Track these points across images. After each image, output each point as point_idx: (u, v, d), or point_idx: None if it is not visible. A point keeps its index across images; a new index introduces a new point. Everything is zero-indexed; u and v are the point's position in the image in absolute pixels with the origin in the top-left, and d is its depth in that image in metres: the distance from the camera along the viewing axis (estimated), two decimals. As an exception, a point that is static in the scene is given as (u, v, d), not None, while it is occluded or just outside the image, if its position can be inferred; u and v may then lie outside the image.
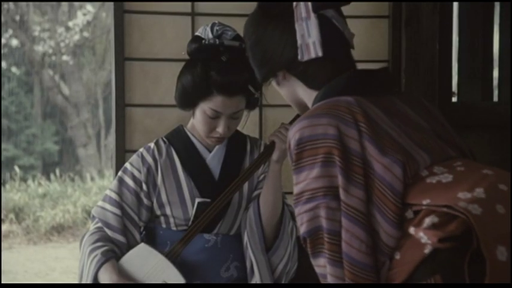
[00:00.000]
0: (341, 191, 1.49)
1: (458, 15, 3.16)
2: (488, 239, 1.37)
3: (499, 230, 1.39)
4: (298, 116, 2.24)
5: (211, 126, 2.18)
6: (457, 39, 3.16)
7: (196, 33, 2.22)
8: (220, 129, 2.17)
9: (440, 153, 1.58)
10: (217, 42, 2.15)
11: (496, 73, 3.22)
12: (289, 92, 1.78)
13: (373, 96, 1.63)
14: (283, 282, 2.29)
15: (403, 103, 1.67)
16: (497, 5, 3.18)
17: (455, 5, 3.13)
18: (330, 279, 1.52)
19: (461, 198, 1.41)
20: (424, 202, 1.45)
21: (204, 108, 2.15)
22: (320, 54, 1.65)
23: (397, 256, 1.48)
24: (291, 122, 2.22)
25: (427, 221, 1.42)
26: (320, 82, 1.68)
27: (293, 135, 1.57)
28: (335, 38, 1.69)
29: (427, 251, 1.42)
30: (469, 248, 1.38)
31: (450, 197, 1.43)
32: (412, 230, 1.45)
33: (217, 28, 2.17)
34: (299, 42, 1.66)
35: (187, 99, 2.19)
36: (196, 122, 2.22)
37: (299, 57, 1.67)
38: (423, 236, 1.42)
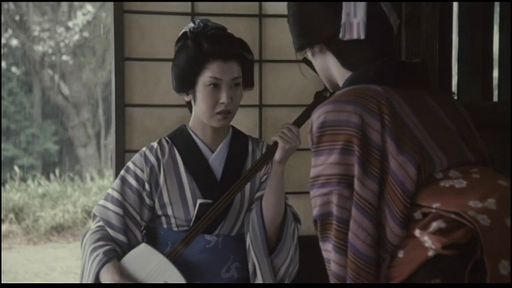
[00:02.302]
0: (356, 182, 1.49)
1: (458, 15, 3.16)
2: (493, 251, 1.36)
3: (504, 244, 1.38)
4: (306, 112, 2.25)
5: (214, 100, 2.18)
6: (457, 39, 3.16)
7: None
8: (223, 98, 2.17)
9: (458, 156, 1.56)
10: (202, 25, 2.22)
11: (496, 73, 3.22)
12: (322, 66, 1.74)
13: (404, 88, 1.60)
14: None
15: (433, 100, 1.65)
16: (497, 5, 3.19)
17: (455, 5, 3.13)
18: (333, 266, 1.52)
19: (472, 207, 1.41)
20: (434, 205, 1.44)
21: (203, 81, 2.18)
22: (362, 36, 1.62)
23: (400, 254, 1.48)
24: (295, 122, 2.23)
25: (434, 225, 1.42)
26: (355, 64, 1.65)
27: (317, 117, 1.56)
28: (380, 23, 1.66)
29: (430, 253, 1.41)
30: (472, 257, 1.38)
31: (461, 203, 1.42)
32: (417, 232, 1.44)
33: (199, 20, 2.24)
34: (343, 20, 1.63)
35: (186, 78, 2.20)
36: (198, 104, 2.22)
37: (340, 35, 1.63)
38: (427, 240, 1.41)
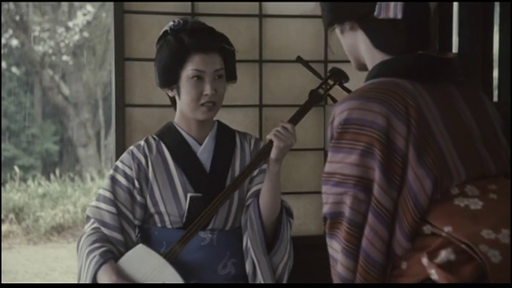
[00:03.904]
0: (376, 187, 1.42)
1: (458, 15, 3.16)
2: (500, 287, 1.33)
3: None
4: (301, 110, 2.24)
5: (198, 92, 2.21)
6: (457, 39, 3.16)
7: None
8: (207, 90, 2.20)
9: (478, 168, 1.50)
10: (181, 22, 2.25)
11: (496, 73, 3.22)
12: (351, 44, 1.63)
13: (434, 83, 1.53)
14: (284, 280, 2.30)
15: (462, 98, 1.57)
16: (497, 5, 3.18)
17: (455, 5, 3.13)
18: (339, 268, 1.47)
19: (484, 239, 1.36)
20: (446, 229, 1.39)
21: (187, 74, 2.20)
22: (399, 16, 1.50)
23: (403, 266, 1.44)
24: (290, 120, 2.23)
25: (443, 255, 1.37)
26: (388, 45, 1.56)
27: (340, 112, 1.48)
28: (418, 4, 1.55)
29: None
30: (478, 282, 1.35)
31: (473, 232, 1.37)
32: (425, 261, 1.39)
33: (177, 20, 2.27)
34: None
35: (169, 73, 2.23)
36: (183, 98, 2.24)
37: (375, 13, 1.52)
38: (434, 274, 1.36)
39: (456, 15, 3.15)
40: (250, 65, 2.85)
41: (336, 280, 1.50)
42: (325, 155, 3.00)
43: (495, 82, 3.22)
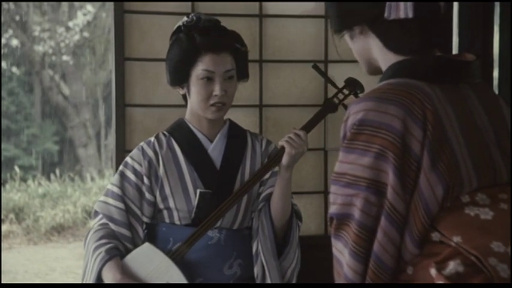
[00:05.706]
0: (390, 191, 1.40)
1: (458, 15, 3.16)
2: None
3: None
4: (315, 118, 2.24)
5: (207, 92, 2.20)
6: (457, 39, 3.16)
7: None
8: (217, 91, 2.19)
9: (491, 176, 1.47)
10: (195, 18, 2.24)
11: (496, 73, 3.22)
12: (362, 49, 1.60)
13: (452, 84, 1.51)
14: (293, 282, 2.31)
15: (478, 100, 1.54)
16: (497, 5, 3.19)
17: (455, 5, 3.13)
18: (346, 270, 1.44)
19: (494, 251, 1.34)
20: (455, 239, 1.37)
21: (197, 74, 2.20)
22: (410, 15, 1.47)
23: (409, 271, 1.42)
24: (303, 128, 2.23)
25: (451, 266, 1.35)
26: (401, 45, 1.53)
27: (355, 112, 1.45)
28: (429, 1, 1.51)
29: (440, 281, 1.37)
30: None
31: (483, 244, 1.35)
32: (433, 272, 1.36)
33: (192, 14, 2.27)
34: None
35: (179, 71, 2.22)
36: (193, 97, 2.24)
37: (385, 14, 1.48)
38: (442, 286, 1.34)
39: (456, 15, 3.15)
40: (250, 65, 2.83)
41: (339, 280, 1.48)
42: (325, 155, 3.00)
43: (495, 82, 3.22)
